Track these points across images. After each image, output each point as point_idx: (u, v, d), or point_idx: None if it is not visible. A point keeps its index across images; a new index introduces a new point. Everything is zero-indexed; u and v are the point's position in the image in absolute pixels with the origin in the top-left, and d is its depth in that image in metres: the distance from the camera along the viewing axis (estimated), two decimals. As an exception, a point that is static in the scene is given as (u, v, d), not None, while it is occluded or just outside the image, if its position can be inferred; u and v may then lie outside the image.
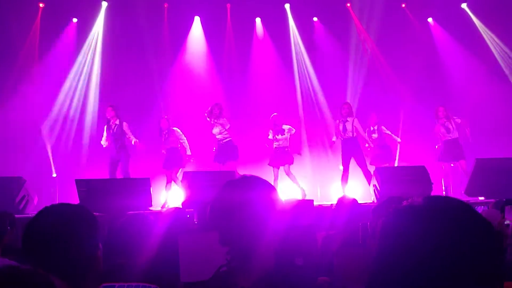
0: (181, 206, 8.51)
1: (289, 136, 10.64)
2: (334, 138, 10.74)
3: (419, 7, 13.17)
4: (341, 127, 10.42)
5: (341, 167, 10.56)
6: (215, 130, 10.42)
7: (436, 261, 1.11)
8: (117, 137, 10.11)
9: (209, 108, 10.52)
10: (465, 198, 9.06)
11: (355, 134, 10.44)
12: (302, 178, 11.26)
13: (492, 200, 7.32)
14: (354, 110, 11.35)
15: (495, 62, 13.09)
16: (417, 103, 12.58)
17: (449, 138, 10.55)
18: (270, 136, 10.70)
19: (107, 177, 10.05)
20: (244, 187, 1.89)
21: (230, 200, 1.86)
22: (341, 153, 10.58)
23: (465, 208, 1.19)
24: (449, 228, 1.14)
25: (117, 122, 10.18)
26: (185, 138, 10.50)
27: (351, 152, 10.38)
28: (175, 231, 3.42)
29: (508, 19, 12.48)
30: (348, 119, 10.44)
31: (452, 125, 10.52)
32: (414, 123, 12.49)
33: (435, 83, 12.98)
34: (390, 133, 11.22)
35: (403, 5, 13.44)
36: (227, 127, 10.35)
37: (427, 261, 1.11)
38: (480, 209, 7.19)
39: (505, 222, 3.07)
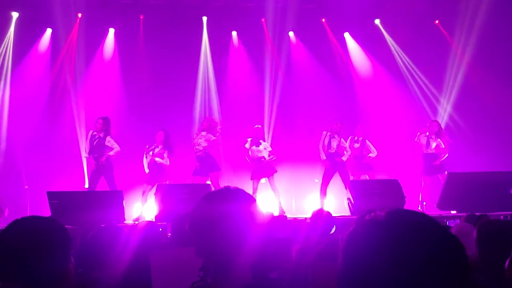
0: (154, 220, 8.44)
1: (265, 151, 10.70)
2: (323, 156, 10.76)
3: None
4: (326, 142, 10.52)
5: (317, 180, 10.63)
6: (201, 141, 10.42)
7: (398, 273, 1.11)
8: (97, 149, 9.99)
9: (204, 122, 10.58)
10: (437, 212, 9.19)
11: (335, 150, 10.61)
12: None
13: (464, 214, 7.41)
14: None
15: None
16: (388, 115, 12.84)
17: (430, 152, 10.69)
18: (247, 145, 10.73)
19: (86, 189, 10.00)
20: (226, 199, 1.87)
21: (211, 211, 1.83)
22: (322, 166, 10.67)
23: (428, 221, 1.20)
24: (410, 241, 1.14)
25: (101, 135, 10.06)
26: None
27: (336, 167, 10.51)
28: (147, 245, 3.39)
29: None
30: (336, 136, 10.57)
31: (436, 141, 10.67)
32: (386, 135, 12.71)
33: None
34: (370, 145, 11.31)
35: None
36: (212, 140, 10.40)
37: (388, 274, 1.11)
38: (452, 223, 7.29)
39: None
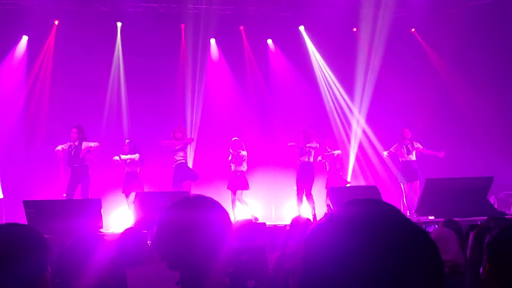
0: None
1: (245, 162, 10.75)
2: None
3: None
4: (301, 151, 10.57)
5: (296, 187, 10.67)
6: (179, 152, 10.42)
7: (360, 269, 1.00)
8: (74, 159, 9.93)
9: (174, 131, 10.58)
10: (415, 217, 9.28)
11: (311, 159, 10.62)
12: (256, 198, 11.33)
13: (442, 219, 7.48)
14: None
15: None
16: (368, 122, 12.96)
17: (407, 159, 10.87)
18: (230, 158, 10.79)
19: (64, 198, 9.91)
20: (198, 207, 1.80)
21: (182, 219, 1.74)
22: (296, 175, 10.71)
23: (396, 214, 1.07)
24: (371, 235, 1.02)
25: (77, 143, 10.00)
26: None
27: (307, 176, 10.55)
28: (128, 253, 3.35)
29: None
30: (307, 144, 10.59)
31: (412, 147, 10.87)
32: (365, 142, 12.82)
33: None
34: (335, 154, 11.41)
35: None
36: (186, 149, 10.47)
37: (352, 275, 1.01)
38: (431, 228, 7.36)
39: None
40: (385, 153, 11.49)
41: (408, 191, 11.10)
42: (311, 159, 10.61)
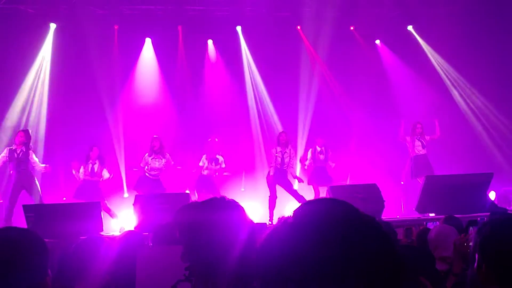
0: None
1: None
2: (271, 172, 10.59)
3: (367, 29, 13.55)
4: (279, 159, 10.49)
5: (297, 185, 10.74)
6: (156, 164, 10.41)
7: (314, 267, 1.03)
8: (21, 162, 9.68)
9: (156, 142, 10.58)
10: (416, 215, 9.29)
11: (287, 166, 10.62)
12: (257, 199, 11.33)
13: (442, 216, 7.47)
14: (306, 130, 11.61)
15: (439, 80, 13.58)
16: (368, 121, 12.94)
17: (421, 153, 10.95)
18: (202, 163, 10.88)
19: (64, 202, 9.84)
20: (217, 208, 1.91)
21: (203, 219, 1.86)
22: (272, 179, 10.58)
23: (340, 208, 1.11)
24: (312, 234, 1.06)
25: (24, 148, 9.71)
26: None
27: (280, 181, 10.50)
28: (130, 255, 3.34)
29: (450, 38, 12.95)
30: (286, 150, 10.55)
31: (425, 141, 10.90)
32: (366, 140, 12.82)
33: (383, 101, 13.32)
34: (329, 155, 11.42)
35: (352, 28, 13.76)
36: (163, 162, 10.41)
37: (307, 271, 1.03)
38: (431, 225, 7.35)
39: (470, 243, 3.11)
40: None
41: (410, 187, 11.18)
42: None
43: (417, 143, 11.03)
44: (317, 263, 1.03)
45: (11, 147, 9.83)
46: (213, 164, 10.84)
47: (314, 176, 11.26)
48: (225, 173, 11.15)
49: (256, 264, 1.13)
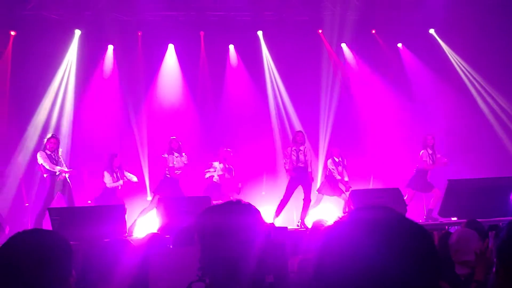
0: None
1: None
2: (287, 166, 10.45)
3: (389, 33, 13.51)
4: (294, 157, 10.31)
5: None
6: (182, 160, 10.52)
7: (369, 271, 1.07)
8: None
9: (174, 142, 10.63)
10: (439, 219, 9.21)
11: (304, 164, 10.37)
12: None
13: (464, 220, 7.41)
14: (327, 135, 11.58)
15: (462, 84, 13.45)
16: (390, 125, 12.87)
17: (428, 168, 10.56)
18: (217, 171, 11.08)
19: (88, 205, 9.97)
20: (235, 212, 1.93)
21: (221, 223, 1.88)
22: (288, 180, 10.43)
23: (393, 217, 1.15)
24: (375, 237, 1.10)
25: (56, 153, 9.84)
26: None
27: (301, 181, 10.31)
28: (152, 259, 3.39)
29: (473, 41, 12.84)
30: (301, 148, 10.37)
31: (435, 156, 10.57)
32: (388, 144, 12.76)
33: (404, 105, 13.24)
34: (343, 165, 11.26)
35: (373, 31, 13.72)
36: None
37: (361, 273, 1.08)
38: (453, 229, 7.29)
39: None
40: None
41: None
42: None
43: (428, 158, 10.50)
44: (387, 272, 1.07)
45: (46, 152, 9.81)
46: (227, 174, 10.98)
47: (331, 186, 11.00)
48: (239, 185, 11.22)
49: (317, 270, 1.17)
